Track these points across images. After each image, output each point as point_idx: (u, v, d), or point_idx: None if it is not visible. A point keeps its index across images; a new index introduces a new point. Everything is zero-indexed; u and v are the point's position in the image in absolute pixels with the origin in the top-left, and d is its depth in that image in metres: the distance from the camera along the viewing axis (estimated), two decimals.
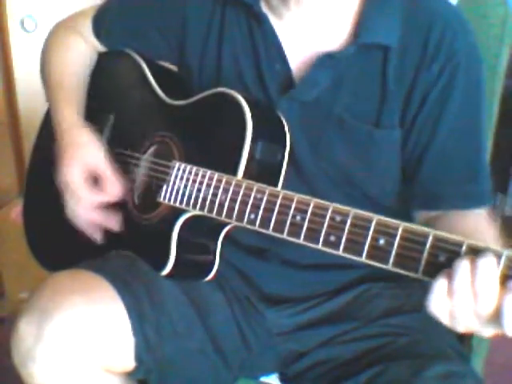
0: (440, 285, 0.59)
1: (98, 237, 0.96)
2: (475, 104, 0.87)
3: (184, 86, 1.00)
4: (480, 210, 0.87)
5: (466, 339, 1.01)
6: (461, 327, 0.61)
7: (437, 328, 0.89)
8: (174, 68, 1.08)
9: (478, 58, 0.87)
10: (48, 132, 1.06)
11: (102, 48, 1.11)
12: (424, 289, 0.96)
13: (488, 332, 0.60)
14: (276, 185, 0.86)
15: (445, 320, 0.60)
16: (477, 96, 0.87)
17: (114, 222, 0.95)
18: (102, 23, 1.08)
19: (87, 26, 1.08)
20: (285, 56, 0.90)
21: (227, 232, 0.91)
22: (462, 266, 0.58)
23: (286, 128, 0.88)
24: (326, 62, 0.86)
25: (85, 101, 1.07)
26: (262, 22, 0.90)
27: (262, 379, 1.02)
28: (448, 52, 0.84)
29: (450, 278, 0.58)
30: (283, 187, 0.85)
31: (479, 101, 0.88)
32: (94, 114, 1.05)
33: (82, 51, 1.10)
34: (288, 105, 0.89)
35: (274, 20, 0.90)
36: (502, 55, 1.05)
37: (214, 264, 0.93)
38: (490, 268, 0.56)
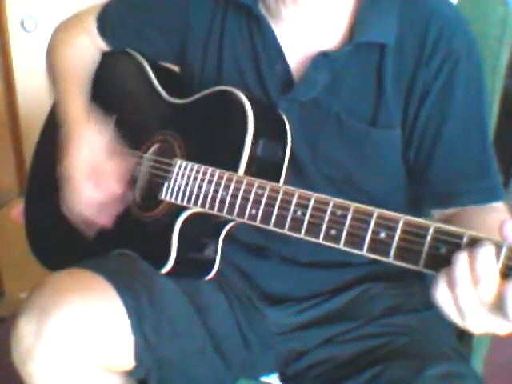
0: (442, 277, 0.58)
1: (90, 233, 0.96)
2: (478, 98, 0.87)
3: (186, 86, 1.01)
4: (496, 203, 0.87)
5: (465, 339, 1.00)
6: (469, 322, 0.59)
7: (437, 328, 0.89)
8: (175, 68, 1.08)
9: (477, 53, 0.87)
10: (50, 131, 1.06)
11: (106, 47, 1.11)
12: (424, 289, 0.96)
13: (500, 327, 0.58)
14: (277, 182, 0.86)
15: (452, 315, 0.59)
16: (478, 90, 0.87)
17: (107, 221, 0.95)
18: (106, 22, 1.08)
19: (92, 25, 1.09)
20: (284, 57, 0.90)
21: (228, 230, 0.91)
22: (461, 257, 0.57)
23: (288, 126, 0.88)
24: (322, 61, 0.86)
25: (90, 95, 1.07)
26: (260, 23, 0.90)
27: (262, 379, 1.02)
28: (446, 49, 0.83)
29: (450, 269, 0.58)
30: None
31: (481, 95, 0.88)
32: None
33: (88, 47, 1.11)
34: (287, 105, 0.89)
35: (272, 22, 0.91)
36: (501, 55, 1.05)
37: (214, 262, 0.93)
38: (488, 256, 0.55)
